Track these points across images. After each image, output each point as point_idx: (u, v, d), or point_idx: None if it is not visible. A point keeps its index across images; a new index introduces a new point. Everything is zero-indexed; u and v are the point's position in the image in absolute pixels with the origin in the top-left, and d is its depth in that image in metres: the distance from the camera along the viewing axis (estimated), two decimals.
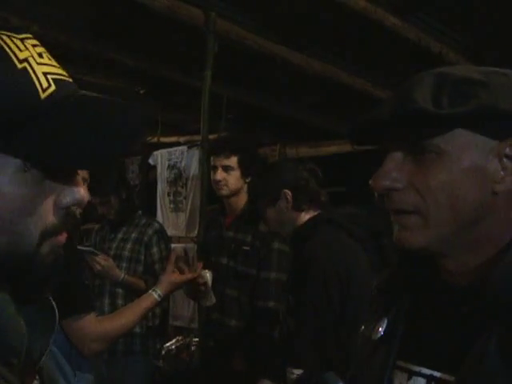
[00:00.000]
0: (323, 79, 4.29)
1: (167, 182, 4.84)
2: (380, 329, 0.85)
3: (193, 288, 2.69)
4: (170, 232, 4.19)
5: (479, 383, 0.68)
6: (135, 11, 3.41)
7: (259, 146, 3.38)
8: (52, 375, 0.71)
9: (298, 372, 1.79)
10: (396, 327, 0.83)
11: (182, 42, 3.89)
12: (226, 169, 2.70)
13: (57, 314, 0.70)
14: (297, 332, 1.93)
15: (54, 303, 0.71)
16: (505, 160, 0.74)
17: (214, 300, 2.70)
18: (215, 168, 2.73)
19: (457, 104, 0.71)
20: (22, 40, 0.60)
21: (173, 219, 4.78)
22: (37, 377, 0.67)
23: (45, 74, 0.60)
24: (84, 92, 0.64)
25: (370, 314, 0.91)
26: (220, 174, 2.70)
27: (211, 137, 3.61)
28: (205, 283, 2.67)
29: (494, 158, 0.74)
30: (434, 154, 0.74)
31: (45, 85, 0.59)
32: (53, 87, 0.60)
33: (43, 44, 0.64)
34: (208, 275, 2.69)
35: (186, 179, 4.66)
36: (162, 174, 4.88)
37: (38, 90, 0.58)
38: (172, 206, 4.81)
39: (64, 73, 0.64)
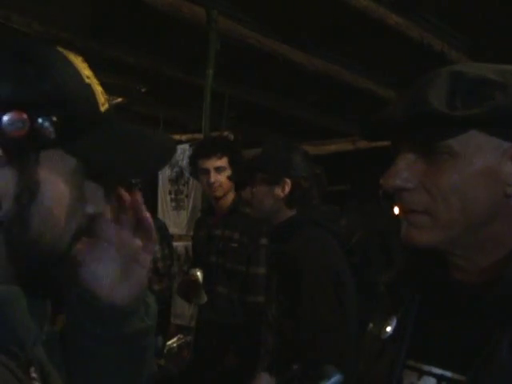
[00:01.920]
0: (325, 78, 4.29)
1: (169, 180, 4.84)
2: (389, 327, 0.84)
3: (184, 287, 2.70)
4: (171, 230, 4.17)
5: (491, 383, 0.67)
6: (137, 9, 3.41)
7: (254, 145, 3.37)
8: (45, 366, 0.71)
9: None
10: (406, 326, 0.82)
11: (184, 41, 3.88)
12: (219, 170, 2.72)
13: (49, 305, 0.70)
14: (299, 331, 1.91)
15: (47, 294, 0.71)
16: None
17: (205, 298, 2.71)
18: (206, 171, 2.74)
19: (471, 105, 0.70)
20: (82, 61, 0.68)
21: (174, 217, 4.77)
22: (32, 368, 0.66)
23: (101, 92, 0.68)
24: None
25: (378, 312, 0.90)
26: (214, 176, 2.71)
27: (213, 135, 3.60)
28: (195, 282, 2.68)
29: (507, 160, 0.72)
30: (446, 155, 0.73)
31: (102, 100, 0.67)
32: (106, 105, 0.68)
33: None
34: (199, 274, 2.70)
35: (188, 177, 4.65)
36: (164, 172, 4.87)
37: (98, 103, 0.66)
38: (173, 204, 4.80)
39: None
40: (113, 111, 0.70)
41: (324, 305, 1.87)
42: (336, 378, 1.04)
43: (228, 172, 2.72)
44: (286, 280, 1.99)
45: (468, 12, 3.53)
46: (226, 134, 4.08)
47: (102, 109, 0.66)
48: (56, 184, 0.62)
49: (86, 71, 0.67)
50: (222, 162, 2.72)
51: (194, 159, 2.85)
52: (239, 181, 2.31)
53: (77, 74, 0.65)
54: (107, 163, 0.65)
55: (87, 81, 0.66)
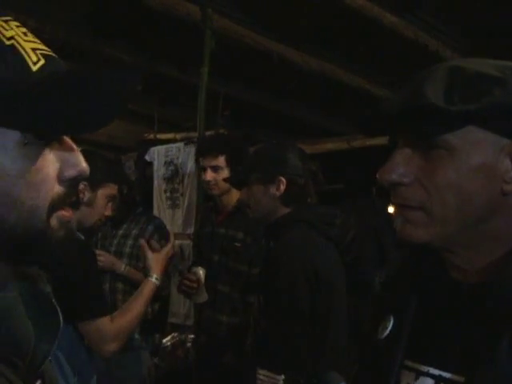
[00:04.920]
0: (320, 77, 4.29)
1: (164, 178, 4.83)
2: (386, 327, 0.83)
3: (186, 285, 2.70)
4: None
5: None
6: (132, 7, 3.40)
7: (252, 143, 3.38)
8: (54, 378, 0.71)
9: (264, 373, 1.78)
10: (403, 325, 0.81)
11: (179, 39, 3.87)
12: (215, 169, 2.72)
13: (61, 318, 0.70)
14: (267, 333, 1.90)
15: (57, 307, 0.70)
16: None
17: (206, 297, 2.70)
18: (204, 169, 2.76)
19: (469, 101, 0.69)
20: (5, 21, 0.62)
21: (169, 216, 4.76)
22: (39, 381, 0.66)
23: (33, 49, 0.62)
24: (71, 67, 0.66)
25: (375, 311, 0.90)
26: (209, 175, 2.73)
27: (208, 134, 3.60)
28: (197, 280, 2.68)
29: (505, 157, 0.71)
30: (443, 151, 0.72)
31: (35, 59, 0.61)
32: (42, 61, 0.61)
33: (39, 39, 0.65)
34: (201, 272, 2.69)
35: (183, 176, 4.65)
36: (159, 171, 4.86)
37: (28, 63, 0.60)
38: (169, 202, 4.80)
39: (49, 50, 0.65)
40: (56, 63, 0.64)
41: (292, 308, 1.84)
42: None
43: (225, 171, 2.71)
44: (266, 279, 1.97)
45: (464, 12, 3.54)
46: (221, 131, 4.09)
47: (36, 67, 0.60)
48: (1, 162, 0.58)
49: (8, 32, 0.60)
50: (218, 161, 2.72)
51: (196, 157, 2.90)
52: (234, 182, 2.28)
53: None
54: (49, 125, 0.59)
55: (8, 42, 0.60)
